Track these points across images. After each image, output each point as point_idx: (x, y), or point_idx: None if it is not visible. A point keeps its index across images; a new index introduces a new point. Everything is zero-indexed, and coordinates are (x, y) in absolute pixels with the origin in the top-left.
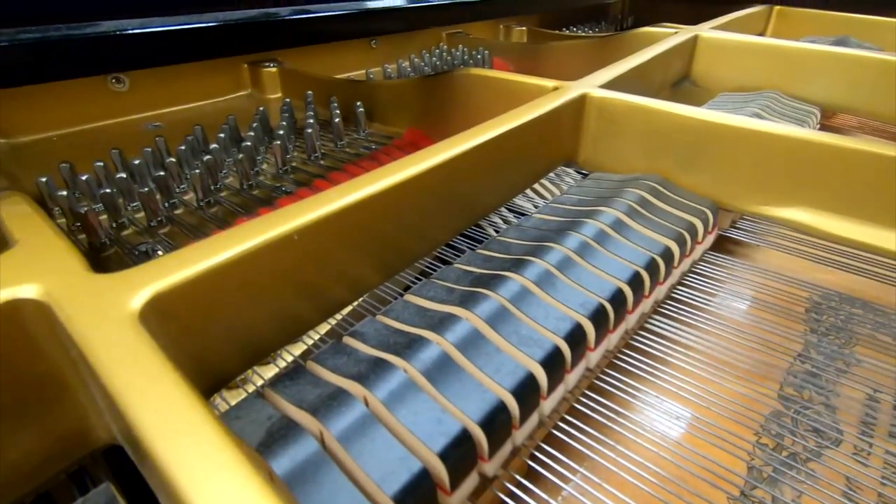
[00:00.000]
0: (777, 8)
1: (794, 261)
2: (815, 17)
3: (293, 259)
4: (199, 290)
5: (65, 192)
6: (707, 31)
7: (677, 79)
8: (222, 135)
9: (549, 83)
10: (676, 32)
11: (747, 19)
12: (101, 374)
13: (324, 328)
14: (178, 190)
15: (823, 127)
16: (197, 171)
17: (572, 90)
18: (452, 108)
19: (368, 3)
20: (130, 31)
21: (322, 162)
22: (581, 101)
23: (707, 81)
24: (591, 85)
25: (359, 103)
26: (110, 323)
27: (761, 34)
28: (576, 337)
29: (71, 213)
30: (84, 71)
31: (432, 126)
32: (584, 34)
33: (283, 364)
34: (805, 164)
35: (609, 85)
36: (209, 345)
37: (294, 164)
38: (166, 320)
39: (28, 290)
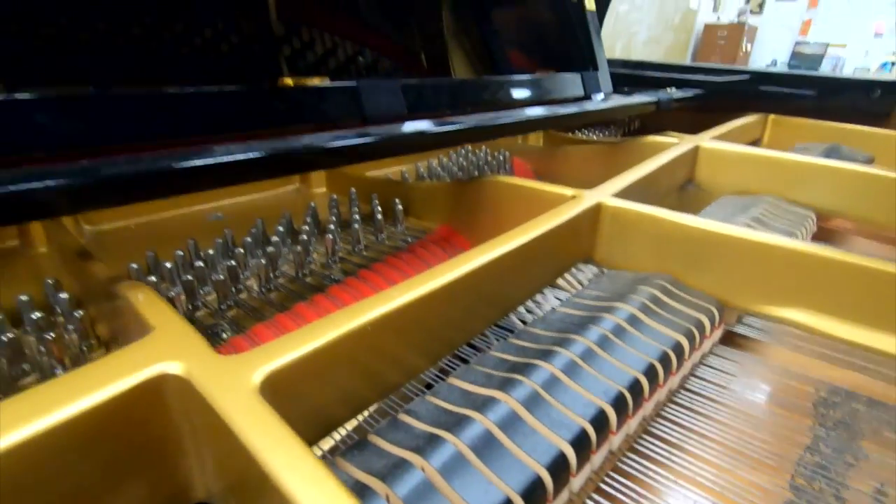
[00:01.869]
0: (772, 117)
1: (801, 356)
2: (807, 126)
3: (367, 344)
4: (301, 367)
5: (154, 278)
6: (707, 141)
7: (683, 182)
8: (280, 227)
9: (567, 191)
10: (678, 143)
11: (744, 128)
12: (238, 436)
13: (351, 424)
14: (242, 276)
15: (820, 228)
16: (260, 259)
17: (588, 199)
18: (480, 209)
19: (407, 129)
20: (205, 163)
21: (365, 253)
22: (597, 210)
23: (710, 185)
24: (606, 193)
25: (397, 200)
26: (237, 395)
27: (758, 140)
28: (600, 421)
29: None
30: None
31: (463, 223)
32: (595, 139)
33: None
34: (802, 271)
35: (621, 193)
36: (313, 406)
37: (341, 254)
38: (279, 391)
39: (173, 367)
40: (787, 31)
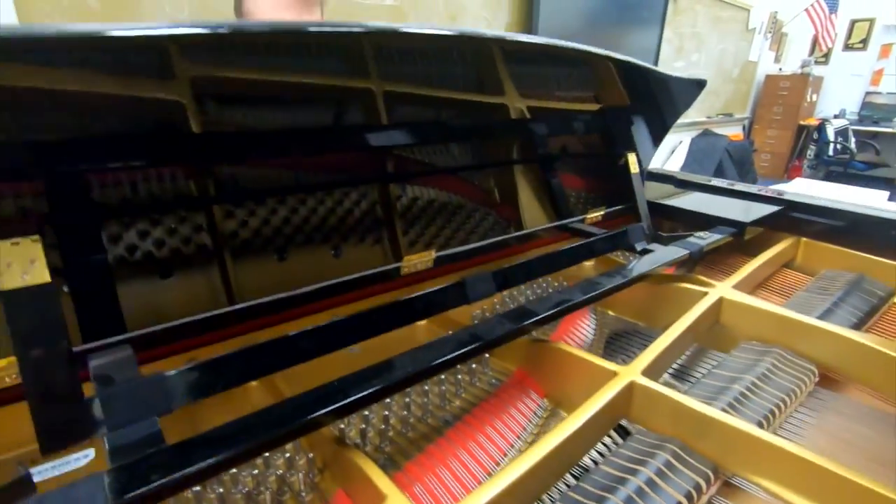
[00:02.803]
0: (804, 240)
1: None
2: (837, 253)
3: None
4: None
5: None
6: (731, 291)
7: (710, 327)
8: None
9: (610, 367)
10: (705, 294)
11: (777, 257)
12: None
13: None
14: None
15: (825, 378)
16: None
17: (624, 377)
18: (542, 368)
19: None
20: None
21: (464, 395)
22: (630, 388)
23: (733, 329)
24: (636, 371)
25: None
26: None
27: (791, 261)
28: None
29: None
30: None
31: (533, 371)
32: None
33: None
34: (773, 457)
35: (652, 369)
36: None
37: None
38: None
39: None
40: (857, 81)
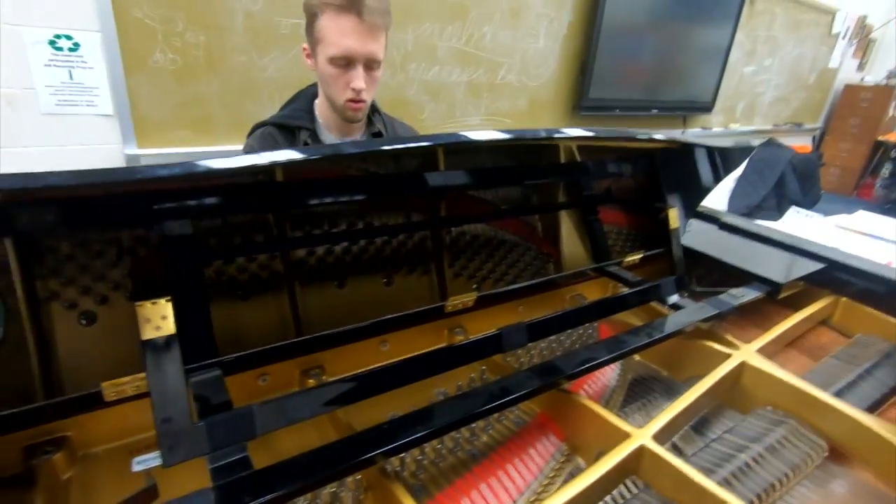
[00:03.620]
0: (843, 300)
1: None
2: (873, 318)
3: None
4: None
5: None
6: (753, 355)
7: (730, 386)
8: None
9: (624, 427)
10: (728, 357)
11: (813, 316)
12: None
13: None
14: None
15: (833, 450)
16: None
17: (634, 441)
18: (560, 418)
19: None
20: None
21: (491, 432)
22: (639, 453)
23: (751, 393)
24: (647, 435)
25: None
26: None
27: (828, 319)
28: None
29: None
30: None
31: (554, 415)
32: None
33: None
34: None
35: (664, 433)
36: None
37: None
38: None
39: None
40: None
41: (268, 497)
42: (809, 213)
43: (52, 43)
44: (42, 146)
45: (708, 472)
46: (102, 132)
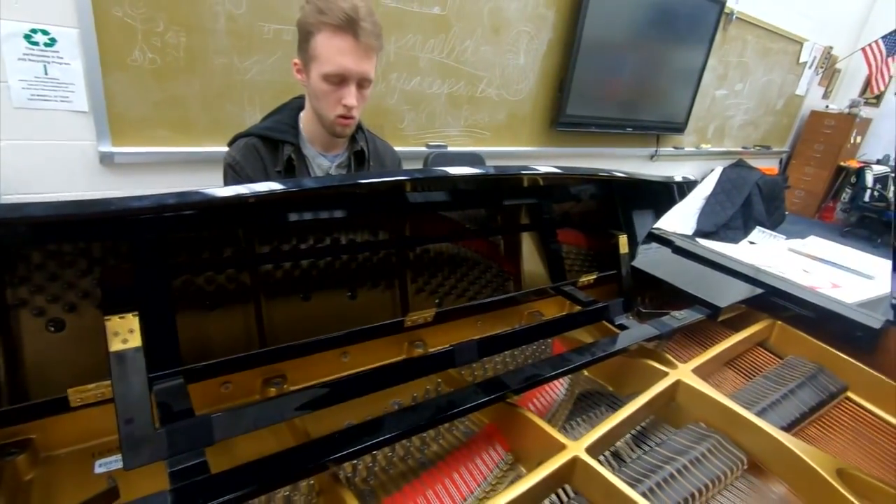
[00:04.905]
0: (778, 323)
1: None
2: (803, 341)
3: None
4: None
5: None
6: (688, 374)
7: (666, 402)
8: None
9: (560, 438)
10: (664, 375)
11: (751, 338)
12: None
13: None
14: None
15: (752, 465)
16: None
17: (569, 452)
18: (505, 428)
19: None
20: None
21: (441, 441)
22: (572, 464)
23: (686, 407)
24: (581, 448)
25: None
26: None
27: (765, 340)
28: None
29: None
30: None
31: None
32: None
33: None
34: None
35: (599, 444)
36: None
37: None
38: None
39: None
40: None
41: (221, 499)
42: (773, 233)
43: (27, 37)
44: (13, 140)
45: (635, 482)
46: (77, 128)
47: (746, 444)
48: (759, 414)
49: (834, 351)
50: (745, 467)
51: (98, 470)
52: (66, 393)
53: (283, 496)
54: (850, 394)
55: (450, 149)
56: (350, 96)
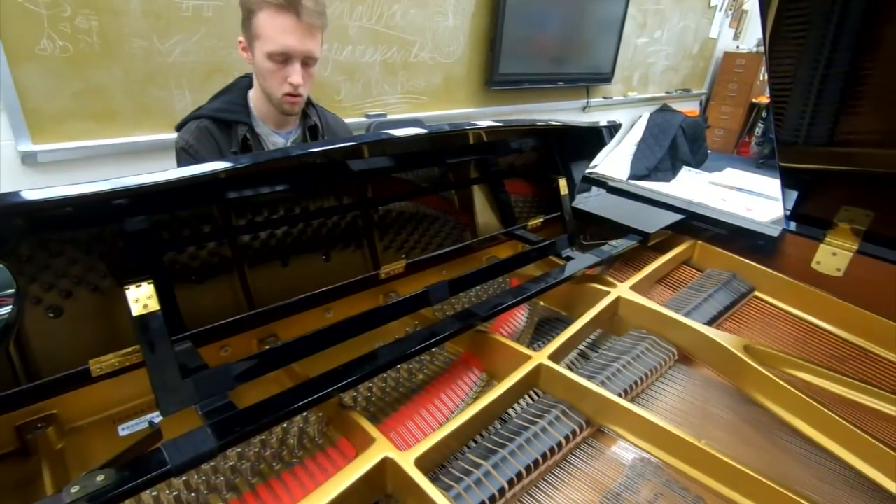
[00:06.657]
0: (699, 243)
1: None
2: (719, 255)
3: None
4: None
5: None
6: (627, 291)
7: (611, 317)
8: None
9: (526, 351)
10: (607, 293)
11: (676, 257)
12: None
13: None
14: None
15: (683, 357)
16: None
17: (535, 360)
18: (476, 352)
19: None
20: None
21: (426, 371)
22: (537, 371)
23: (627, 319)
24: (544, 356)
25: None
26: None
27: (689, 258)
28: None
29: None
30: None
31: (475, 352)
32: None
33: None
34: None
35: (559, 353)
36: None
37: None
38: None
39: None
40: None
41: (253, 427)
42: (698, 171)
43: None
44: None
45: (590, 377)
46: None
47: (676, 340)
48: (686, 315)
49: (744, 260)
50: (676, 358)
51: (122, 433)
52: (87, 364)
53: (298, 429)
54: (757, 293)
55: (389, 117)
56: (296, 74)
